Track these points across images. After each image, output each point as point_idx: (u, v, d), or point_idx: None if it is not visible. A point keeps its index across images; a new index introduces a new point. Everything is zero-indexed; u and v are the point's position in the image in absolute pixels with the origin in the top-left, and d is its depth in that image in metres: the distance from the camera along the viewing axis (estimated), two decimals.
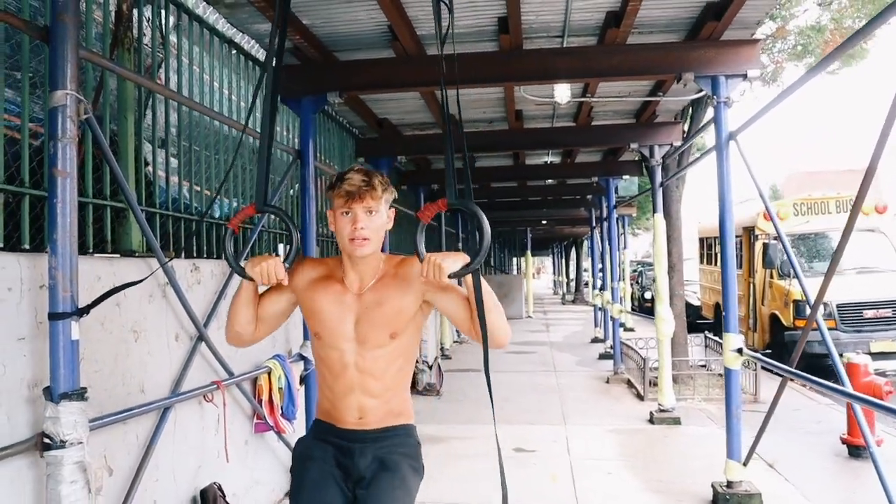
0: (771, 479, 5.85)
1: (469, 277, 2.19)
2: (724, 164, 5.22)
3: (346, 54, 5.74)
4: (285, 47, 5.32)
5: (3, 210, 3.04)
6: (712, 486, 5.32)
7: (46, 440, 2.79)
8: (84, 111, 2.97)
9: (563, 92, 6.21)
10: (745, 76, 5.19)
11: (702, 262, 17.55)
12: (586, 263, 32.10)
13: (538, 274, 63.86)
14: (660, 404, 8.08)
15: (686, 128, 9.28)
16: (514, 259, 41.48)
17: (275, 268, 2.27)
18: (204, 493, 4.13)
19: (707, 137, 28.45)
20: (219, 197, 5.17)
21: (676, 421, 7.86)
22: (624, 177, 11.02)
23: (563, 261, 44.52)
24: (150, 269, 3.78)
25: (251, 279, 2.30)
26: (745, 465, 5.21)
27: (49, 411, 2.79)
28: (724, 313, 5.30)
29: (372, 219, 2.28)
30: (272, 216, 5.00)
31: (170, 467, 3.90)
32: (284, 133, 6.37)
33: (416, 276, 2.29)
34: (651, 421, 7.98)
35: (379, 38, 5.45)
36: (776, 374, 5.30)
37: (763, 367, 8.75)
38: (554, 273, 53.46)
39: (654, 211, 7.96)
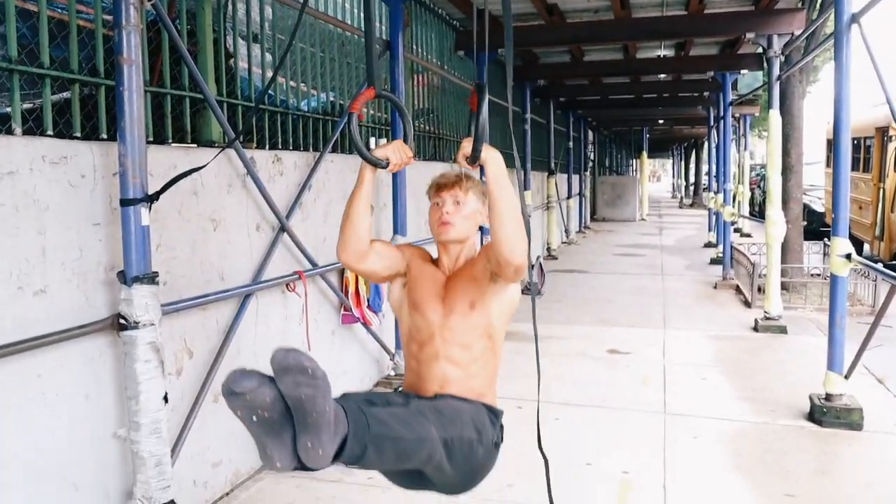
0: (877, 394, 5.53)
1: (489, 167, 2.08)
2: (842, 51, 4.72)
3: None
4: None
5: (85, 102, 3.11)
6: (810, 397, 5.07)
7: (122, 321, 2.93)
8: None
9: None
10: None
11: (828, 165, 16.43)
12: (706, 166, 30.78)
13: (656, 177, 62.00)
14: (766, 311, 7.74)
15: (815, 15, 8.47)
16: (631, 160, 40.20)
17: (403, 147, 2.27)
18: None
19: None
20: (310, 91, 5.15)
21: (782, 329, 7.52)
22: (742, 71, 10.26)
23: (683, 163, 42.89)
24: (230, 160, 3.83)
25: (382, 163, 2.23)
26: (846, 377, 4.93)
27: (123, 293, 2.91)
28: (833, 215, 4.91)
29: (459, 208, 2.40)
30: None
31: (252, 353, 4.05)
32: (376, 24, 6.23)
33: (483, 253, 2.36)
34: (755, 329, 7.67)
35: None
36: (887, 281, 4.91)
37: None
38: (673, 176, 51.73)
39: (770, 107, 7.39)
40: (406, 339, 2.44)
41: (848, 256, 4.81)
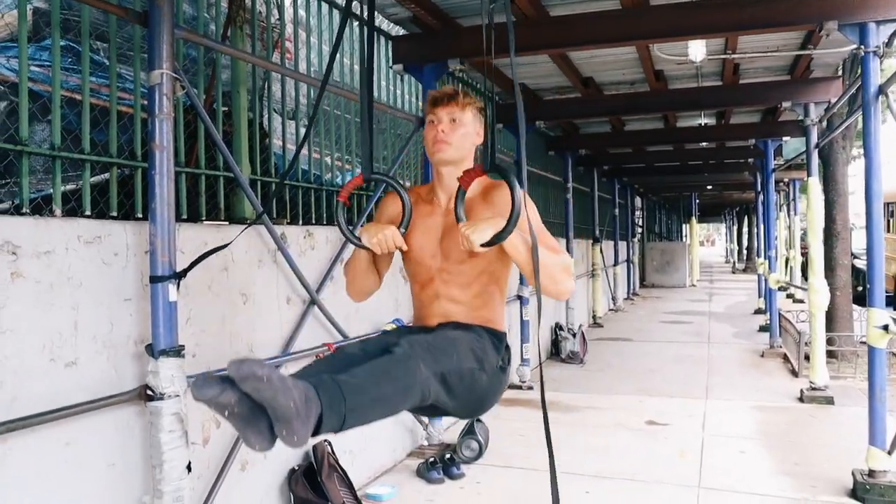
0: None
1: (508, 247, 2.14)
2: (871, 121, 4.73)
3: (466, 20, 5.71)
4: (403, 16, 5.41)
5: (118, 181, 3.32)
6: (852, 473, 4.92)
7: (149, 392, 3.06)
8: (181, 87, 3.17)
9: (697, 49, 5.85)
10: None
11: (887, 230, 16.08)
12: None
13: (710, 241, 61.19)
14: (811, 381, 7.55)
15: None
16: (682, 226, 39.88)
17: (392, 237, 2.34)
18: (315, 448, 4.36)
19: None
20: (341, 165, 5.35)
21: (829, 400, 7.31)
22: (784, 138, 10.24)
23: (735, 227, 42.35)
24: (261, 236, 4.00)
25: (366, 247, 2.35)
26: (889, 453, 4.78)
27: (150, 366, 3.06)
28: (868, 285, 4.85)
29: (455, 127, 2.39)
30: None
31: None
32: (411, 99, 6.46)
33: (502, 202, 2.31)
34: (801, 399, 7.48)
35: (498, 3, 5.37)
36: None
37: None
38: (726, 241, 51.05)
39: (809, 174, 7.36)
40: (410, 279, 2.49)
41: (885, 328, 4.72)
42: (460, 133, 2.39)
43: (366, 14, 2.73)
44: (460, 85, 7.63)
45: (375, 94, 5.70)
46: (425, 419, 5.77)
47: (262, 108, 4.48)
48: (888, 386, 5.07)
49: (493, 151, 2.26)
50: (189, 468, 3.15)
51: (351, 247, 2.49)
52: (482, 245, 2.10)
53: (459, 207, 2.24)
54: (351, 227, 2.37)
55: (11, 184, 2.97)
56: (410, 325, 2.49)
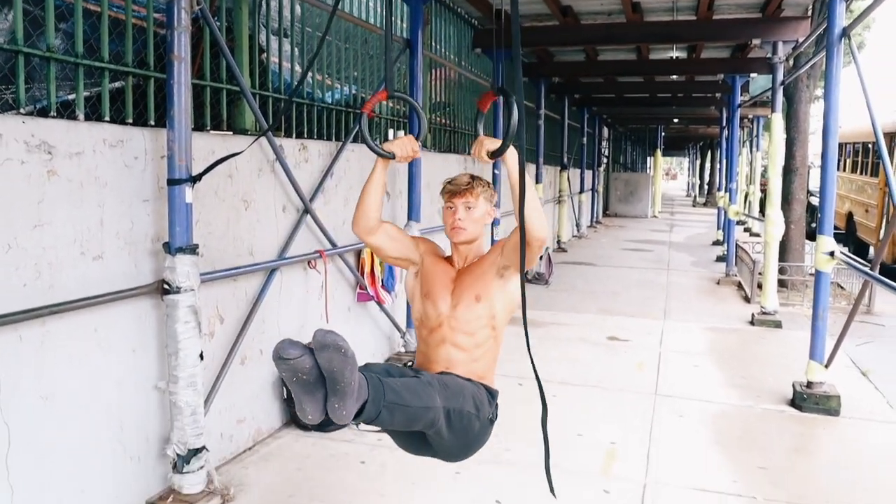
0: (859, 384, 5.87)
1: (509, 161, 2.42)
2: (833, 61, 5.05)
3: None
4: None
5: (133, 91, 3.50)
6: (792, 385, 5.42)
7: (165, 286, 3.33)
8: (196, 3, 3.34)
9: None
10: None
11: (843, 170, 16.65)
12: (720, 165, 30.92)
13: (671, 176, 61.91)
14: (762, 307, 8.08)
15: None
16: (647, 158, 40.37)
17: (410, 142, 2.60)
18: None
19: (865, 34, 26.05)
20: (334, 84, 5.53)
21: (777, 324, 7.86)
22: (752, 75, 10.55)
23: (698, 162, 43.00)
24: (261, 147, 4.22)
25: (389, 155, 2.57)
26: (826, 366, 5.27)
27: (167, 262, 3.32)
28: (819, 214, 5.25)
29: (470, 213, 2.68)
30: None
31: (275, 322, 4.45)
32: (398, 23, 6.60)
33: (497, 249, 2.67)
34: (751, 323, 8.02)
35: None
36: (862, 275, 5.28)
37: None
38: (688, 175, 51.79)
39: (773, 110, 7.70)
40: (417, 323, 2.77)
41: (831, 254, 5.15)
42: (474, 217, 2.68)
43: None
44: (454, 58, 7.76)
45: (362, 14, 5.86)
46: (403, 328, 6.13)
47: (258, 26, 4.62)
48: (830, 314, 5.55)
49: (502, 78, 2.54)
50: (201, 356, 3.45)
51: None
52: (490, 155, 2.40)
53: (479, 125, 2.55)
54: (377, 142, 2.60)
55: (34, 90, 3.15)
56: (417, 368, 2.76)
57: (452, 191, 2.70)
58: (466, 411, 2.46)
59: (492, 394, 2.67)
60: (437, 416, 2.33)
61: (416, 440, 2.55)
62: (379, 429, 2.38)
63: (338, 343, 1.94)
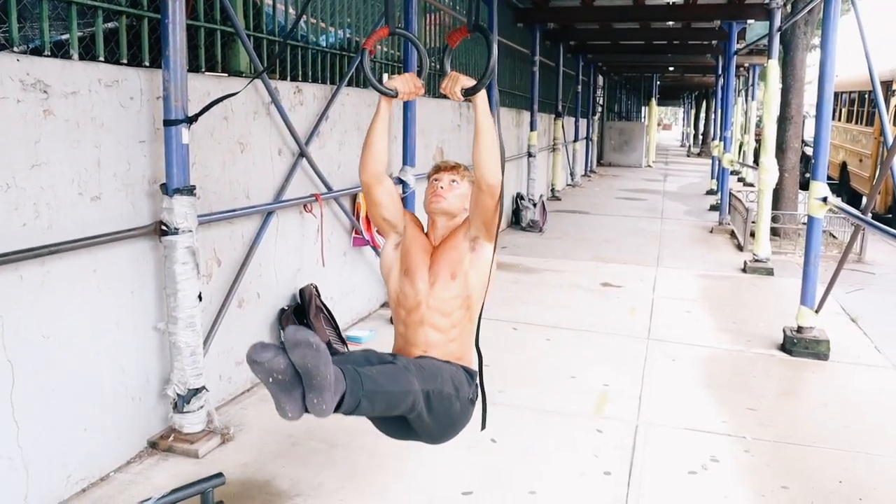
0: (848, 330, 5.96)
1: (480, 101, 2.42)
2: (830, 8, 5.02)
3: None
4: None
5: (127, 31, 3.45)
6: (783, 330, 5.50)
7: (163, 227, 3.34)
8: None
9: None
10: None
11: (838, 119, 16.61)
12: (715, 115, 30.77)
13: (662, 125, 61.60)
14: (754, 254, 8.14)
15: None
16: (642, 108, 40.12)
17: (413, 79, 2.57)
18: (302, 291, 4.72)
19: None
20: (328, 27, 5.46)
21: (769, 272, 7.93)
22: (749, 21, 10.43)
23: (693, 111, 42.78)
24: (256, 89, 4.19)
25: (392, 93, 2.53)
26: (817, 311, 5.34)
27: (165, 203, 3.32)
28: (812, 160, 5.26)
29: (453, 187, 2.71)
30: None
31: (272, 265, 4.47)
32: None
33: (466, 220, 2.66)
34: (744, 270, 8.09)
35: None
36: (852, 222, 5.33)
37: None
38: (683, 124, 51.57)
39: (769, 57, 7.65)
40: (395, 304, 2.76)
41: (824, 199, 5.17)
42: (456, 193, 2.71)
43: None
44: None
45: None
46: None
47: None
48: (821, 262, 5.60)
49: (477, 16, 2.50)
50: (200, 297, 3.48)
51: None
52: (464, 93, 2.39)
53: (446, 61, 2.52)
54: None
55: (26, 29, 3.11)
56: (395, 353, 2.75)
57: (440, 167, 2.77)
58: (446, 393, 2.49)
59: (470, 374, 2.69)
60: (417, 400, 2.35)
61: (399, 426, 2.58)
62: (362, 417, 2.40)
63: (308, 339, 1.97)
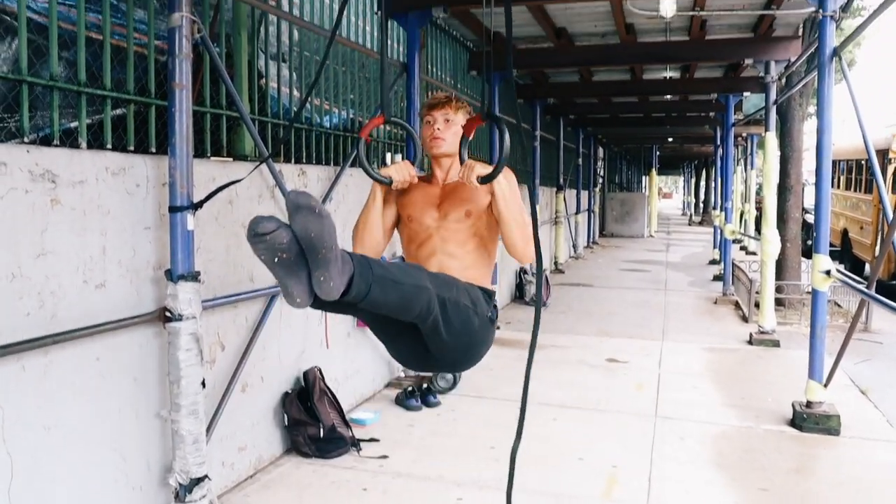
0: (858, 403, 5.87)
1: (497, 189, 2.45)
2: (825, 80, 5.11)
3: None
4: None
5: (134, 118, 3.53)
6: (792, 404, 5.42)
7: (167, 313, 3.33)
8: (198, 30, 3.38)
9: (667, 4, 6.12)
10: None
11: (837, 186, 16.74)
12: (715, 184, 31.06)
13: (663, 194, 62.15)
14: (760, 326, 8.10)
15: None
16: (642, 178, 40.56)
17: (407, 167, 2.64)
18: (306, 374, 4.68)
19: (856, 52, 26.28)
20: (332, 108, 5.57)
21: (775, 343, 7.86)
22: (745, 94, 10.64)
23: (693, 180, 43.21)
24: (261, 173, 4.24)
25: (386, 181, 2.60)
26: (825, 385, 5.28)
27: (169, 289, 3.33)
28: (815, 233, 5.28)
29: (448, 126, 2.69)
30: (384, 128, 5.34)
31: (276, 349, 4.45)
32: (395, 46, 6.65)
33: (486, 195, 2.63)
34: (749, 342, 8.02)
35: None
36: (859, 293, 5.31)
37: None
38: (684, 193, 52.04)
39: (767, 129, 7.77)
40: (406, 244, 2.73)
41: (828, 272, 5.17)
42: (453, 131, 2.69)
43: None
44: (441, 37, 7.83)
45: (359, 39, 5.92)
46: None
47: (256, 51, 4.66)
48: (828, 332, 5.56)
49: (490, 103, 2.57)
50: (203, 384, 3.45)
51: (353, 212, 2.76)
52: (480, 180, 2.41)
53: (463, 150, 2.56)
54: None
55: (37, 117, 3.17)
56: None
57: (431, 104, 2.73)
58: (463, 304, 2.40)
59: (488, 293, 2.62)
60: (432, 302, 2.23)
61: (416, 348, 2.46)
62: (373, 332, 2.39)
63: (311, 203, 1.85)
